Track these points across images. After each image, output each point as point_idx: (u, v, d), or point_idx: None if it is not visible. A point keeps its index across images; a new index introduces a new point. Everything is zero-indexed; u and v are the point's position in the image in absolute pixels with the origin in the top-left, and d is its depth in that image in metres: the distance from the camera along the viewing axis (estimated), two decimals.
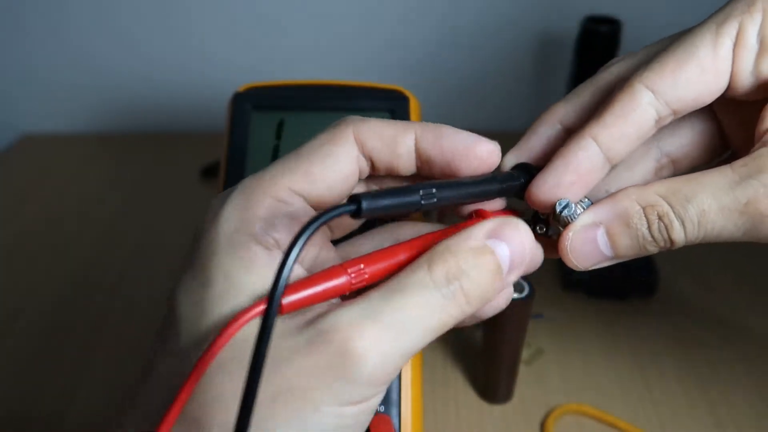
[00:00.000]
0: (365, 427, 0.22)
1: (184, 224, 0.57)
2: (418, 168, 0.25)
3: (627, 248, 0.24)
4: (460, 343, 0.51)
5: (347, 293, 0.22)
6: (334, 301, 0.23)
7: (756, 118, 0.24)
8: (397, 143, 0.24)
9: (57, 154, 0.82)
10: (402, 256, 0.23)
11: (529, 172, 0.27)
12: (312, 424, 0.19)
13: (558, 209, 0.25)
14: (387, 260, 0.23)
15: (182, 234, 0.44)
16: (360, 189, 0.27)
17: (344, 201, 0.25)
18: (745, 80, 0.24)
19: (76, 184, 0.75)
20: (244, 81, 0.41)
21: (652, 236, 0.23)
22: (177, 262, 0.25)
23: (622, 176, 0.29)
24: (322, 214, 0.20)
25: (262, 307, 0.20)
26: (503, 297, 0.26)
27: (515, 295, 0.40)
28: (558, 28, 0.78)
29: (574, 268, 0.25)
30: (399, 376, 0.34)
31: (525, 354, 0.49)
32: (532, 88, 0.83)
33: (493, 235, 0.22)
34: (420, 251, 0.23)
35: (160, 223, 0.66)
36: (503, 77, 0.82)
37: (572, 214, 0.25)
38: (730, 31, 0.23)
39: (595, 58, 0.61)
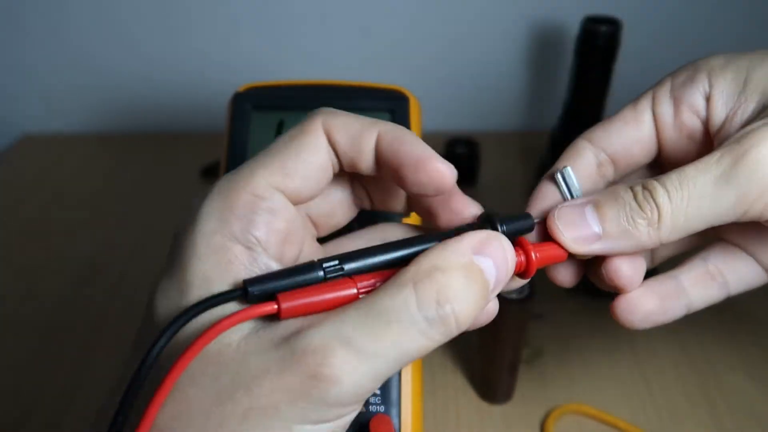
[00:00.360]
0: None
1: None
2: (378, 169, 0.24)
3: (614, 219, 0.24)
4: (459, 343, 0.51)
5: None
6: None
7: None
8: (362, 140, 0.23)
9: (57, 154, 0.82)
10: None
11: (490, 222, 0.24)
12: None
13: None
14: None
15: None
16: (346, 194, 0.27)
17: (321, 192, 0.24)
18: (672, 133, 0.28)
19: (76, 184, 0.75)
20: (244, 81, 0.40)
21: (638, 203, 0.24)
22: None
23: None
24: (204, 302, 0.20)
25: (237, 317, 0.20)
26: (488, 312, 0.25)
27: (515, 296, 0.40)
28: (558, 28, 0.78)
29: (565, 245, 0.25)
30: (399, 376, 0.34)
31: (525, 354, 0.49)
32: (532, 88, 0.83)
33: (478, 250, 0.22)
34: None
35: (160, 223, 0.66)
36: (503, 77, 0.82)
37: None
38: (646, 95, 0.29)
39: (595, 58, 0.61)
